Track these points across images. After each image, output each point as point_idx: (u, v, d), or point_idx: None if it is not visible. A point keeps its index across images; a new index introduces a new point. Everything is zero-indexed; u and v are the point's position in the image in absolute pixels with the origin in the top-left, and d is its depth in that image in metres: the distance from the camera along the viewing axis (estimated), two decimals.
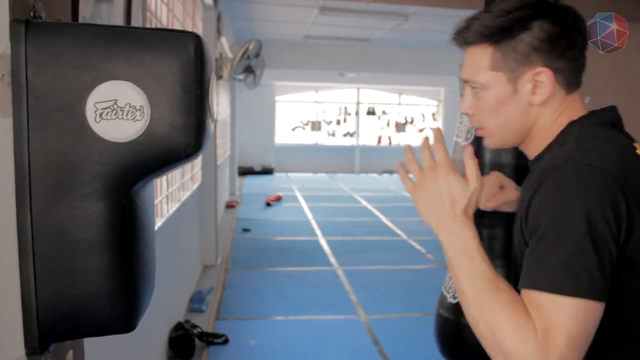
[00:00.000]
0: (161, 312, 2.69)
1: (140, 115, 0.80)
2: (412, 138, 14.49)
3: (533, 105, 0.88)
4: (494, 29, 0.86)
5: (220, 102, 6.73)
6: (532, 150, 0.94)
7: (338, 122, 14.42)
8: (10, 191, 0.78)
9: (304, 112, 14.36)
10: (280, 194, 9.19)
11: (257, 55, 6.87)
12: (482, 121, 0.93)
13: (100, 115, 0.79)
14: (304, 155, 13.93)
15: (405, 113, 14.59)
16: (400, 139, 14.49)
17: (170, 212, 3.09)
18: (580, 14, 0.88)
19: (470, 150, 0.85)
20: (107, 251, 0.82)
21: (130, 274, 0.87)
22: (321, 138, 14.36)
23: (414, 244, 5.80)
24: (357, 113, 14.36)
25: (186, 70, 0.82)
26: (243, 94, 10.83)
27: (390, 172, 13.88)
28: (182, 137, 0.83)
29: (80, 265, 0.81)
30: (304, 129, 14.40)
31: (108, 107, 0.79)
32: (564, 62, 0.87)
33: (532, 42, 0.85)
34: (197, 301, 3.64)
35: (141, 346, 2.29)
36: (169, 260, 2.82)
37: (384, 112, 14.51)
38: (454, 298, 2.00)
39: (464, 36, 0.91)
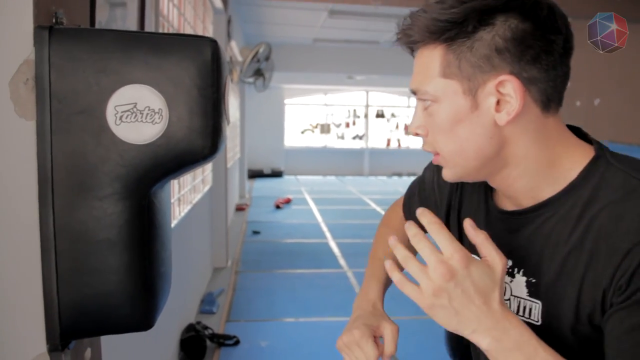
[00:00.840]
0: (173, 314, 2.72)
1: (159, 118, 0.82)
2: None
3: (500, 126, 0.68)
4: (443, 23, 0.67)
5: (230, 105, 6.78)
6: (517, 193, 0.74)
7: (347, 125, 14.45)
8: (33, 191, 0.80)
9: (313, 115, 14.40)
10: (290, 196, 9.22)
11: (267, 58, 6.91)
12: (435, 144, 0.73)
13: (121, 118, 0.81)
14: (313, 158, 13.96)
15: None
16: (410, 142, 14.49)
17: (182, 214, 3.12)
18: (560, 9, 0.68)
19: (470, 222, 0.66)
20: (126, 250, 0.84)
21: (149, 272, 0.89)
22: (330, 141, 14.39)
23: None
24: (366, 116, 14.37)
25: (203, 74, 0.84)
26: (252, 97, 10.89)
27: (400, 174, 13.86)
28: (200, 139, 0.85)
29: (100, 264, 0.84)
30: (313, 131, 14.44)
31: (128, 110, 0.81)
32: (538, 70, 0.66)
33: (494, 42, 0.65)
34: (208, 303, 3.67)
35: (154, 347, 2.32)
36: (180, 262, 2.85)
37: (393, 115, 14.52)
38: None
39: (408, 34, 0.71)
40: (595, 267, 0.65)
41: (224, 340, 3.07)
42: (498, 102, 0.67)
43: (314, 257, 5.24)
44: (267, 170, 13.03)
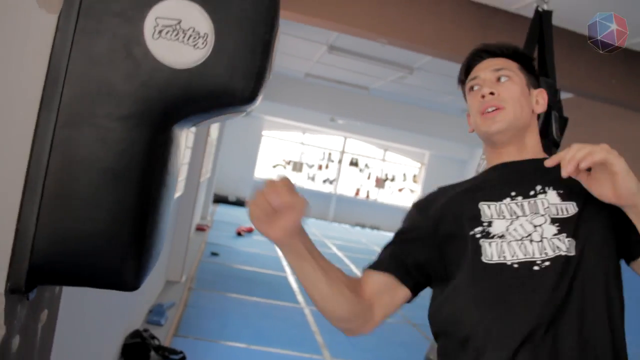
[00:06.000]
0: (119, 314, 2.50)
1: (203, 43, 0.71)
2: (390, 196, 14.53)
3: (532, 113, 1.16)
4: (528, 57, 1.20)
5: None
6: (526, 151, 1.14)
7: (320, 167, 14.42)
8: (38, 91, 0.67)
9: (288, 151, 14.35)
10: (252, 226, 9.00)
11: None
12: (504, 101, 1.11)
13: (160, 32, 0.69)
14: None
15: (387, 170, 14.69)
16: (378, 195, 14.52)
17: None
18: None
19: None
20: (129, 186, 0.71)
21: (146, 219, 0.75)
22: (300, 180, 14.30)
23: None
24: (340, 161, 14.40)
25: (259, 9, 0.74)
26: (231, 120, 10.77)
27: (363, 225, 13.80)
28: (242, 79, 0.74)
29: (96, 196, 0.69)
30: (284, 167, 14.34)
31: (170, 26, 0.70)
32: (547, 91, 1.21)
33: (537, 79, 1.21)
34: (156, 314, 3.43)
35: (95, 346, 2.10)
36: None
37: (366, 166, 14.58)
38: None
39: (503, 49, 1.17)
40: None
41: (169, 354, 2.84)
42: (536, 101, 1.17)
43: (271, 288, 5.06)
44: (232, 198, 12.80)
